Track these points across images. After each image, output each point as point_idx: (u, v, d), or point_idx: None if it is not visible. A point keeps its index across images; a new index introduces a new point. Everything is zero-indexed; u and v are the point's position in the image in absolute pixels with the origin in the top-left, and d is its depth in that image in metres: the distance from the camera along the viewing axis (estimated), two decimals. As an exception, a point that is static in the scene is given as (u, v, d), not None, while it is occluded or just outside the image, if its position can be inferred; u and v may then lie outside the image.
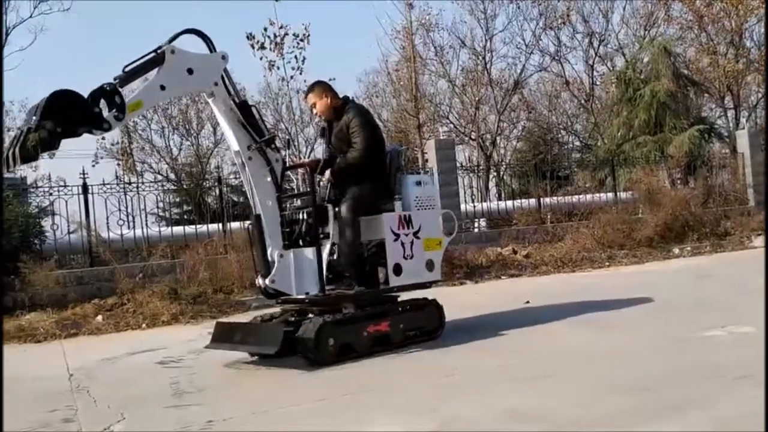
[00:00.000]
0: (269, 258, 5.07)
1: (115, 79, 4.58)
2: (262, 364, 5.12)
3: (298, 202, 5.49)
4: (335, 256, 5.35)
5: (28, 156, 4.19)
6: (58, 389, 4.82)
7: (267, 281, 5.03)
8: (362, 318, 5.13)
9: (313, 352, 4.81)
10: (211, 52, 5.10)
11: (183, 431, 3.54)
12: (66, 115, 4.31)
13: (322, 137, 5.79)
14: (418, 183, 5.60)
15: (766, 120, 19.25)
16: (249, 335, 5.23)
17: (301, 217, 5.24)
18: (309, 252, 5.15)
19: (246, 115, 5.09)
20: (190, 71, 4.89)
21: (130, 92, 4.72)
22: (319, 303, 5.17)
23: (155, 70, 4.77)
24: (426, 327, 5.46)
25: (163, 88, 4.81)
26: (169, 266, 9.46)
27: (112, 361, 5.85)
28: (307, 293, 5.14)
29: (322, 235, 5.22)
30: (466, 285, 9.58)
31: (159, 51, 4.76)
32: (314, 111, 5.69)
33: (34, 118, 4.22)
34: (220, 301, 8.55)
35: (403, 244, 5.37)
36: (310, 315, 5.17)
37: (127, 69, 4.67)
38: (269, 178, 5.11)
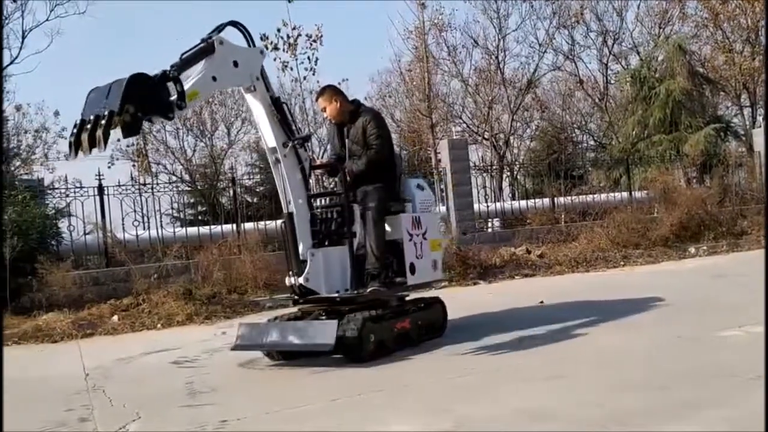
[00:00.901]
0: (301, 256, 5.03)
1: (171, 66, 4.49)
2: (275, 364, 5.14)
3: (322, 202, 5.50)
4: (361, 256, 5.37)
5: (102, 140, 4.11)
6: (74, 389, 4.86)
7: (301, 279, 4.99)
8: (391, 316, 5.22)
9: (357, 350, 4.83)
10: (249, 46, 5.08)
11: (197, 430, 3.56)
12: (144, 99, 4.27)
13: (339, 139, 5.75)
14: (419, 186, 5.79)
15: (766, 120, 19.03)
16: (291, 333, 5.06)
17: (328, 215, 5.27)
18: (336, 251, 5.19)
19: (279, 112, 5.10)
20: (235, 64, 4.85)
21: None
22: (352, 302, 5.17)
23: (203, 61, 4.71)
24: (435, 324, 5.60)
25: (214, 79, 4.75)
26: (183, 267, 9.52)
27: (128, 361, 5.90)
28: (337, 292, 5.17)
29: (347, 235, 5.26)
30: (479, 285, 9.55)
31: (208, 41, 4.71)
32: (325, 114, 5.69)
33: (117, 101, 4.11)
34: (234, 302, 8.59)
35: (415, 244, 5.48)
36: (322, 316, 5.17)
37: (183, 57, 4.63)
38: (300, 177, 5.12)
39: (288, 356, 5.16)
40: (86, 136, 4.13)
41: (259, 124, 5.14)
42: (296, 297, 5.19)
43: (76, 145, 4.20)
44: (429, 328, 5.54)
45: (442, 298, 5.87)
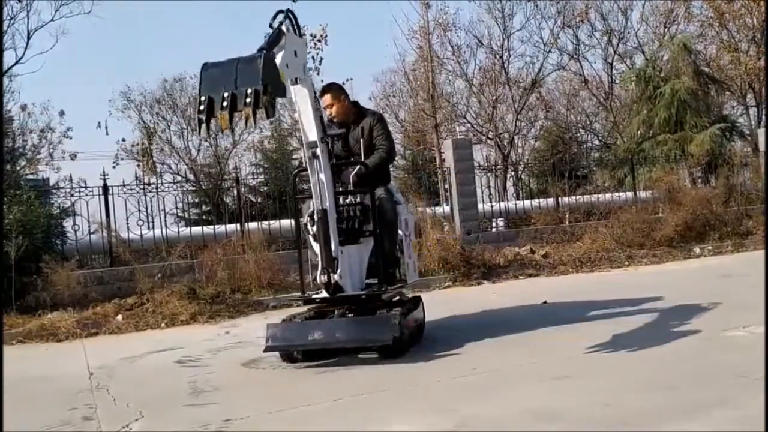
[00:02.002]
0: (333, 254, 4.94)
1: (260, 49, 4.36)
2: (279, 363, 5.13)
3: (342, 200, 5.39)
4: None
5: (252, 118, 4.09)
6: (78, 388, 4.87)
7: (337, 276, 4.92)
8: (407, 313, 5.25)
9: (401, 345, 4.85)
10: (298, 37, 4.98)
11: (200, 430, 3.56)
12: (275, 80, 4.24)
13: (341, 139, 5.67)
14: (397, 190, 5.94)
15: (766, 119, 18.97)
16: (342, 330, 4.99)
17: (350, 213, 5.24)
18: (354, 249, 5.21)
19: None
20: (294, 53, 4.74)
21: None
22: (375, 300, 5.17)
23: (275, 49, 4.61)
24: (420, 322, 5.70)
25: (287, 66, 4.60)
26: (187, 266, 9.53)
27: (132, 360, 5.90)
28: (362, 289, 5.19)
29: (367, 234, 5.28)
30: (483, 285, 9.53)
31: (276, 29, 4.64)
32: (329, 111, 5.55)
33: (258, 81, 4.05)
34: (238, 301, 8.59)
35: (407, 245, 5.66)
36: (330, 315, 5.14)
37: (269, 41, 4.55)
38: (331, 173, 5.06)
39: (311, 356, 5.03)
40: (226, 114, 4.04)
41: (301, 117, 4.96)
42: (323, 296, 5.09)
43: (207, 123, 4.12)
44: (420, 327, 5.66)
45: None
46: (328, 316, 5.15)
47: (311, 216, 5.11)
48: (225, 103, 4.06)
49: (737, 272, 8.47)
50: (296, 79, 4.81)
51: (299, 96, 4.91)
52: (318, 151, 4.89)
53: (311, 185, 4.99)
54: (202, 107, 4.13)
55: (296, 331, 5.09)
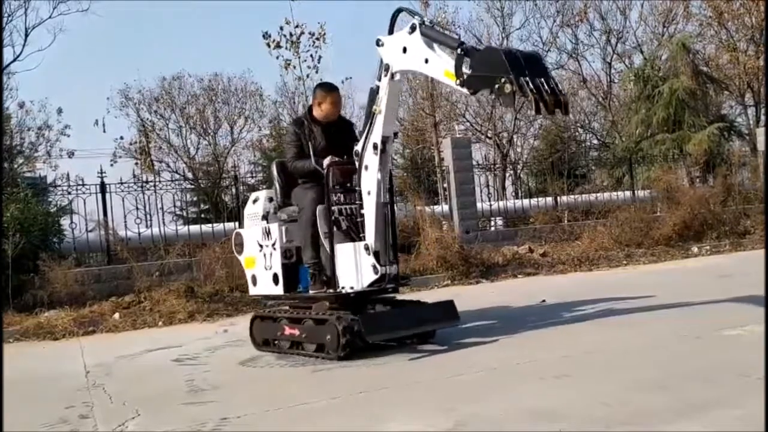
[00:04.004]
0: (375, 248, 5.01)
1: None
2: (276, 362, 5.13)
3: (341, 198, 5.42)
4: None
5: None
6: (75, 386, 4.86)
7: (393, 270, 5.07)
8: None
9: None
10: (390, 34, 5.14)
11: (197, 429, 3.55)
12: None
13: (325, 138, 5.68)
14: None
15: (766, 120, 18.98)
16: (416, 317, 5.27)
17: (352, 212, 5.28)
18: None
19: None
20: (404, 50, 4.89)
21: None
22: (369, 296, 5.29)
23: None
24: None
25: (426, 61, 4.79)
26: (185, 264, 9.51)
27: (129, 359, 5.89)
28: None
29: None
30: (482, 284, 9.53)
31: (412, 24, 4.80)
32: (333, 109, 5.56)
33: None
34: (236, 299, 8.58)
35: None
36: (381, 305, 5.35)
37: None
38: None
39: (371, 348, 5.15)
40: (550, 99, 4.30)
41: (386, 113, 5.04)
42: (388, 286, 5.17)
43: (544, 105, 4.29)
44: None
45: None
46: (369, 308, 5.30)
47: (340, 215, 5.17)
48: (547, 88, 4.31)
49: (735, 271, 8.46)
50: (396, 72, 4.96)
51: (391, 92, 5.02)
52: (389, 145, 5.07)
53: (367, 180, 5.01)
54: (532, 86, 4.26)
55: (391, 320, 5.21)
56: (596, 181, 17.44)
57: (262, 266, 5.60)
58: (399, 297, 5.69)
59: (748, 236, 12.32)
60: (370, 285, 5.02)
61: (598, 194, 14.40)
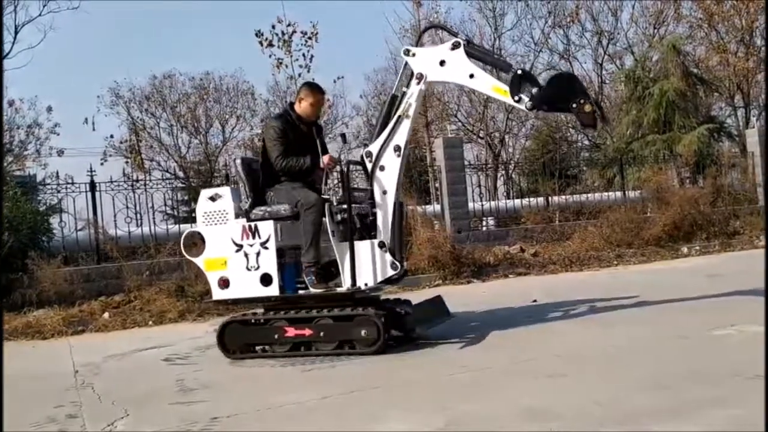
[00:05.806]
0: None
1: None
2: (266, 362, 5.10)
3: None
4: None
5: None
6: (63, 386, 4.82)
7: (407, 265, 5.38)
8: None
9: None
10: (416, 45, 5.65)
11: (187, 428, 3.52)
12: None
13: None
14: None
15: (766, 120, 19.07)
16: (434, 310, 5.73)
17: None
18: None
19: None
20: (441, 63, 5.27)
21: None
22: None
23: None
24: None
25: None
26: (176, 264, 9.44)
27: (118, 358, 5.85)
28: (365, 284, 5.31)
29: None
30: (473, 283, 9.54)
31: (455, 42, 5.22)
32: (315, 110, 5.61)
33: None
34: (226, 299, 8.53)
35: None
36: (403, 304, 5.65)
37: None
38: None
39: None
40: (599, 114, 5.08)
41: (412, 117, 5.32)
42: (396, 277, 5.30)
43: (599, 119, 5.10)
44: None
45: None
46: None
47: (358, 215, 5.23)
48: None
49: (725, 272, 8.50)
50: (430, 82, 5.38)
51: (418, 99, 5.33)
52: (404, 150, 5.26)
53: (384, 180, 5.19)
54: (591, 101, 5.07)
55: (425, 311, 5.63)
56: (587, 181, 17.48)
57: (241, 267, 5.32)
58: (382, 297, 5.71)
59: (737, 237, 12.39)
60: (382, 281, 5.19)
61: (589, 194, 14.43)
